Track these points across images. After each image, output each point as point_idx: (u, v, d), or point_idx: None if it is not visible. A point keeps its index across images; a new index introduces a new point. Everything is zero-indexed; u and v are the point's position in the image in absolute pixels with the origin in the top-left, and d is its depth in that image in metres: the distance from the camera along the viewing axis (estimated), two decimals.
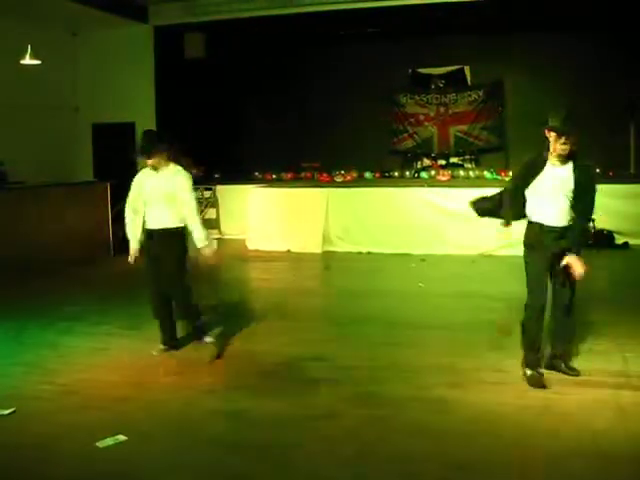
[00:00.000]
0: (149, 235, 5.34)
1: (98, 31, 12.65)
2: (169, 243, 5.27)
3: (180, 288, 5.34)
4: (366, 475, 3.44)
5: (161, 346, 5.48)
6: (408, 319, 6.46)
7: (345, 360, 5.22)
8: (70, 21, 12.08)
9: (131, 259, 5.40)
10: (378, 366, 5.05)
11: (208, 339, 5.51)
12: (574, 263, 4.40)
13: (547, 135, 4.45)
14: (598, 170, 11.83)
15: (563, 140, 4.36)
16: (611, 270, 8.70)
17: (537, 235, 4.56)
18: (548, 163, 4.52)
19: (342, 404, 4.32)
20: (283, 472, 3.50)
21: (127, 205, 5.44)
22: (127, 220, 5.45)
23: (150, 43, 12.89)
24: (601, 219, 9.46)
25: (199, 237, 5.30)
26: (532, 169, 4.57)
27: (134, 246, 5.40)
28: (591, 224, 10.22)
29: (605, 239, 10.22)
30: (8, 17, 10.72)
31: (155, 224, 5.30)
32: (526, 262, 4.65)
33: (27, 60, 10.35)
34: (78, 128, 13.23)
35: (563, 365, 4.74)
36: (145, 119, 12.90)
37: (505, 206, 4.80)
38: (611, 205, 10.35)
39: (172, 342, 5.53)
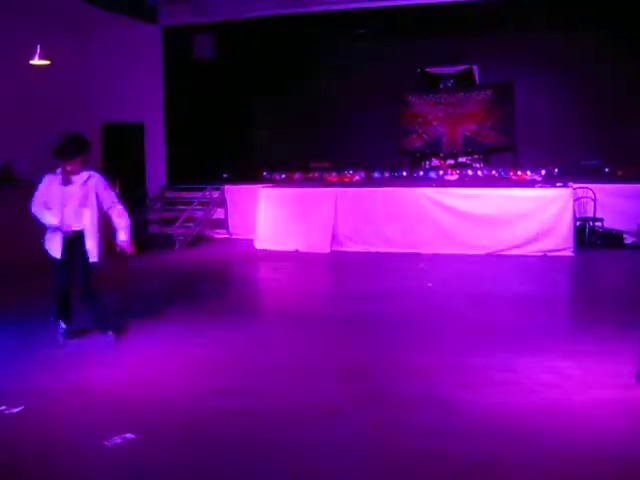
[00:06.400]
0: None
1: (107, 31, 12.69)
2: None
3: None
4: (375, 475, 3.43)
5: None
6: (417, 319, 6.45)
7: (353, 360, 5.21)
8: (79, 21, 12.11)
9: None
10: (387, 366, 5.04)
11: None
12: None
13: None
14: (607, 170, 12.00)
15: None
16: (620, 270, 8.67)
17: None
18: None
19: (351, 403, 4.31)
20: (291, 471, 3.49)
21: None
22: None
23: (159, 43, 12.94)
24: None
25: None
26: None
27: None
28: (599, 224, 10.22)
29: (614, 239, 10.18)
30: (18, 17, 10.76)
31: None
32: None
33: (37, 60, 10.39)
34: (87, 128, 13.26)
35: None
36: (154, 119, 12.98)
37: None
38: (620, 205, 10.33)
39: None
